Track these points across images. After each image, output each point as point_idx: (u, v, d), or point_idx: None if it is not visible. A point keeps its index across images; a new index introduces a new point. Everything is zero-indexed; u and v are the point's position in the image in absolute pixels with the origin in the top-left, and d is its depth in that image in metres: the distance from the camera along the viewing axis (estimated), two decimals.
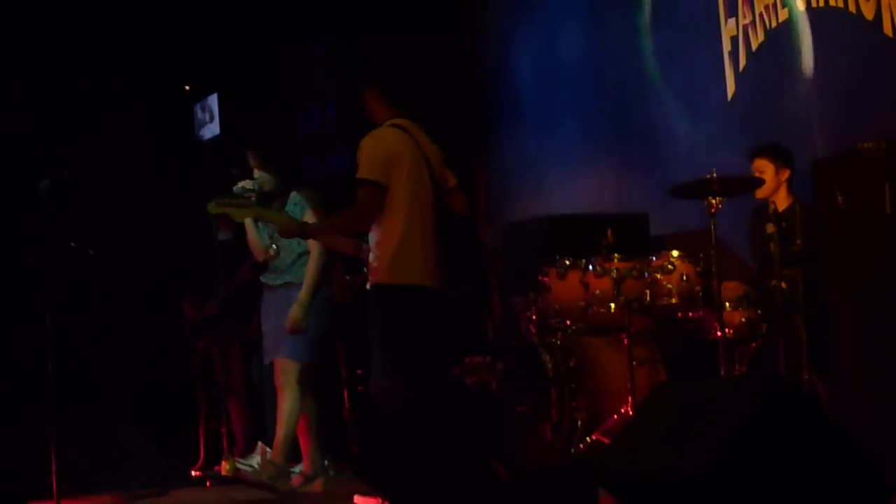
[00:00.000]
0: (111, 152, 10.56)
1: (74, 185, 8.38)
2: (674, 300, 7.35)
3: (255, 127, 9.65)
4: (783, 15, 8.24)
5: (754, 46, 8.49)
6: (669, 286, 7.36)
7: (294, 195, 7.76)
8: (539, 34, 10.53)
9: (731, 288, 7.36)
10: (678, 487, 4.69)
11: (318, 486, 7.78)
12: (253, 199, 7.63)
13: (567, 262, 7.56)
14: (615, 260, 7.42)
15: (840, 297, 6.24)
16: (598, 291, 7.42)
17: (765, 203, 7.63)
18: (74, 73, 10.63)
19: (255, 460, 8.19)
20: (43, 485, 7.36)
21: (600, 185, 9.83)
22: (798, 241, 7.04)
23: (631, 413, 7.19)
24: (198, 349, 9.62)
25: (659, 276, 7.37)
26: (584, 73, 10.09)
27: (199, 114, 11.74)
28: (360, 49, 10.91)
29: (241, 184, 7.73)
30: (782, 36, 8.26)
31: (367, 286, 6.91)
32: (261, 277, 7.94)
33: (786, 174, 7.68)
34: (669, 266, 7.36)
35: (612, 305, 7.39)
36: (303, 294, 7.60)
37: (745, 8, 8.54)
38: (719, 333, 6.94)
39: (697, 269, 7.35)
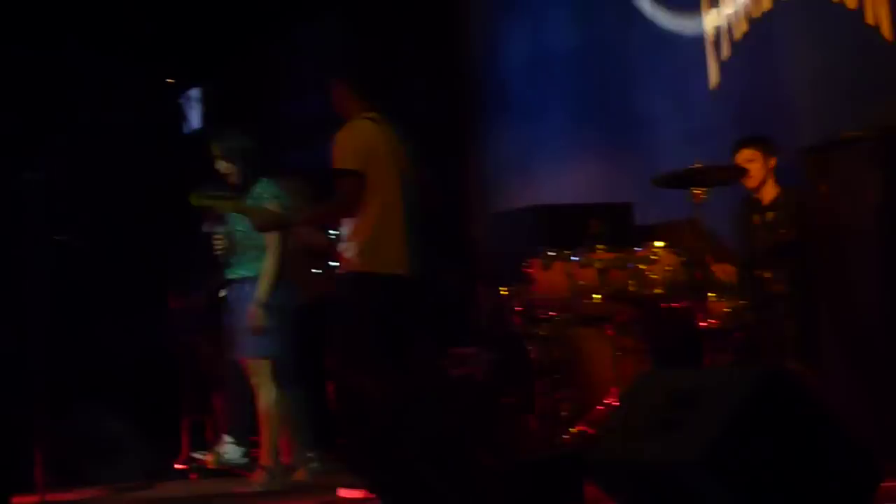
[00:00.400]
0: (97, 144, 10.52)
1: (60, 177, 8.36)
2: (658, 290, 7.35)
3: (239, 119, 9.63)
4: (766, 4, 8.25)
5: (737, 36, 8.50)
6: (654, 276, 7.34)
7: (264, 183, 7.71)
8: (526, 24, 10.52)
9: (724, 271, 7.37)
10: (667, 476, 4.68)
11: (301, 475, 7.76)
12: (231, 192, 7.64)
13: (551, 254, 7.55)
14: (600, 251, 7.42)
15: (827, 285, 6.25)
16: (582, 282, 7.40)
17: (749, 193, 7.65)
18: (59, 62, 10.59)
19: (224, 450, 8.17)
20: (25, 479, 7.35)
21: (587, 175, 9.82)
22: (782, 231, 7.06)
23: (616, 403, 7.19)
24: (184, 341, 9.58)
25: (643, 266, 7.36)
26: (570, 63, 10.08)
27: (186, 106, 11.71)
28: (333, 40, 10.88)
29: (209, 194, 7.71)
30: (765, 26, 8.26)
31: (338, 273, 6.97)
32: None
33: (772, 163, 7.70)
34: (653, 256, 7.36)
35: (597, 296, 7.38)
36: (260, 291, 7.53)
37: None
38: (703, 323, 6.95)
39: (682, 259, 7.36)
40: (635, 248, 7.44)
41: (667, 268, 7.34)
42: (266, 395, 7.59)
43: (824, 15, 7.73)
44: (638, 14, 9.35)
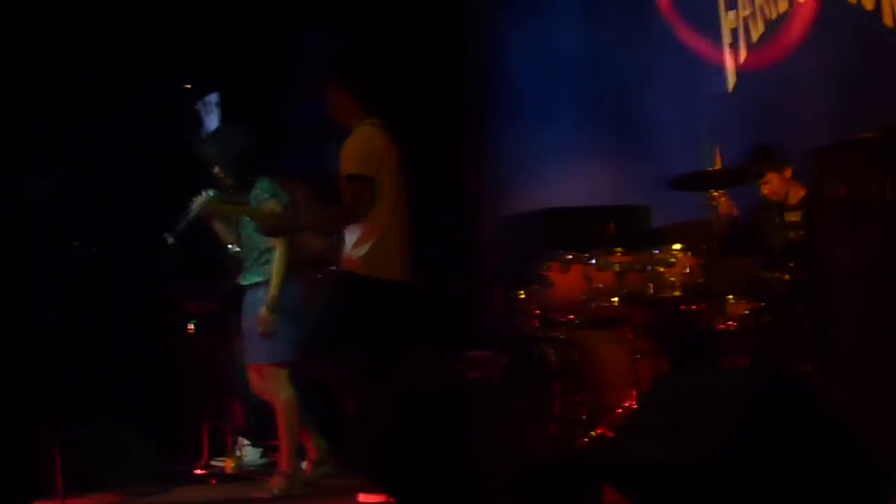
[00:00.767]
0: (109, 149, 10.53)
1: (73, 182, 8.38)
2: (676, 293, 7.33)
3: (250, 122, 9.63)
4: (783, 6, 8.24)
5: (754, 38, 8.48)
6: (672, 279, 7.34)
7: (264, 183, 7.69)
8: (535, 25, 10.50)
9: (743, 264, 7.35)
10: (678, 479, 4.68)
11: (308, 472, 7.75)
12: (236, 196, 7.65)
13: (569, 256, 7.55)
14: (617, 253, 7.41)
15: (839, 286, 6.23)
16: (600, 285, 7.40)
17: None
18: (66, 70, 10.60)
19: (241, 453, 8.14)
20: (45, 485, 7.37)
21: (597, 177, 9.81)
22: (793, 233, 7.07)
23: (634, 406, 7.17)
24: (201, 346, 9.59)
25: (661, 269, 7.36)
26: (581, 64, 10.08)
27: (203, 111, 11.72)
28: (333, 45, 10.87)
29: (198, 199, 7.72)
30: (782, 27, 8.25)
31: (341, 274, 6.98)
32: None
33: (788, 173, 7.73)
34: (672, 259, 7.35)
35: (615, 299, 7.37)
36: (270, 296, 7.51)
37: (745, 0, 8.54)
38: (721, 326, 6.93)
39: (700, 261, 7.34)
40: (653, 251, 7.44)
41: (685, 270, 7.33)
42: (283, 401, 7.57)
43: (842, 16, 7.72)
44: (648, 15, 9.34)
